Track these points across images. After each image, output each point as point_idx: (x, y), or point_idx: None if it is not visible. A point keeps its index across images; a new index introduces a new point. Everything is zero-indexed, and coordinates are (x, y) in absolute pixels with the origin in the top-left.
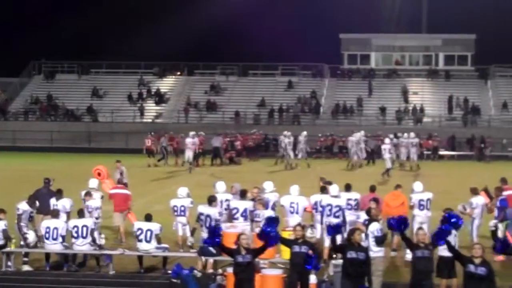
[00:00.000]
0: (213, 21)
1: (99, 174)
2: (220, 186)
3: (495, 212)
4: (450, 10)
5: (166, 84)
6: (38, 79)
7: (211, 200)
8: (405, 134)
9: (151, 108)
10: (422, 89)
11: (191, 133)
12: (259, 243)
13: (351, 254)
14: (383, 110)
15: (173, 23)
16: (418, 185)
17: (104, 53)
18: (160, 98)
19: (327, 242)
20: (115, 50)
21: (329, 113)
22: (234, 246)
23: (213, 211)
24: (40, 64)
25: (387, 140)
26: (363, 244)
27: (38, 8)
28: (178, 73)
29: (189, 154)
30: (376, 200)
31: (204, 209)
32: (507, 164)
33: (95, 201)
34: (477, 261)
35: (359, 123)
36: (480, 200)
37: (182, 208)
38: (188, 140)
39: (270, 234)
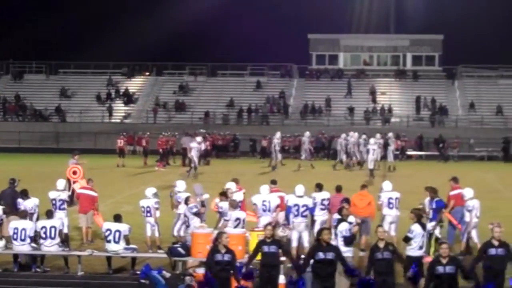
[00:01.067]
0: (182, 21)
1: (74, 173)
2: (181, 184)
3: (430, 214)
4: (418, 11)
5: (134, 84)
6: (5, 79)
7: (188, 199)
8: (378, 135)
9: (119, 108)
10: (390, 89)
11: (198, 138)
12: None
13: (319, 256)
14: (351, 110)
15: (142, 24)
16: (387, 184)
17: (72, 53)
18: (128, 98)
19: (294, 243)
20: (84, 50)
21: (297, 113)
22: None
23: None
24: (8, 64)
25: (372, 141)
26: (333, 243)
27: (5, 8)
28: (147, 73)
29: (195, 160)
30: (347, 200)
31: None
32: (474, 164)
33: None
34: (444, 261)
35: (327, 123)
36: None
37: (148, 209)
38: (194, 145)
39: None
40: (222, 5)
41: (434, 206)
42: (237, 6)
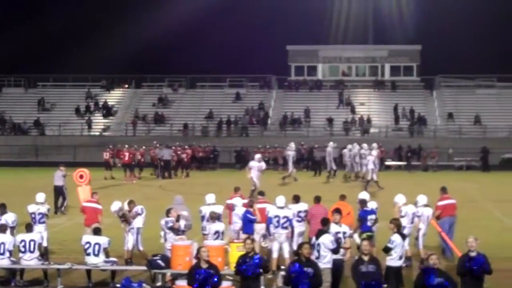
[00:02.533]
0: (160, 33)
1: (81, 177)
2: (210, 197)
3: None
4: (395, 21)
5: (113, 97)
6: None
7: (168, 211)
8: (351, 146)
9: (98, 121)
10: (368, 99)
11: (257, 156)
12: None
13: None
14: (330, 121)
15: (120, 36)
16: (364, 195)
17: (51, 66)
18: (107, 111)
19: (275, 254)
20: (62, 63)
21: (277, 124)
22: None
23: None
24: None
25: (374, 152)
26: (312, 257)
27: None
28: (126, 85)
29: (256, 180)
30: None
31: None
32: (452, 174)
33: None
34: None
35: (306, 134)
36: (410, 209)
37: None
38: (253, 164)
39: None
40: (201, 17)
41: (360, 216)
42: (215, 18)
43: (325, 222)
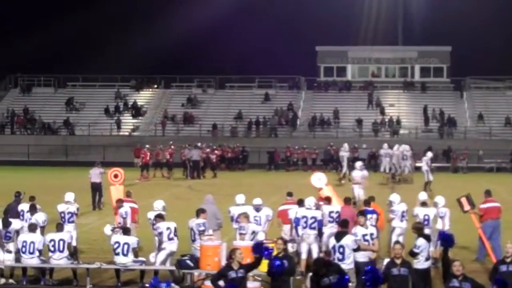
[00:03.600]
0: (190, 34)
1: (115, 176)
2: (240, 198)
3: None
4: (425, 22)
5: (143, 97)
6: (14, 93)
7: (199, 212)
8: (397, 146)
9: (128, 121)
10: (398, 101)
11: (358, 164)
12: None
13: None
14: (359, 122)
15: (150, 36)
16: (395, 197)
17: (80, 66)
18: (137, 111)
19: (304, 255)
20: (92, 63)
21: (305, 125)
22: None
23: (197, 222)
24: (17, 78)
25: (429, 154)
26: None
27: (14, 21)
28: (155, 86)
29: (359, 192)
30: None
31: (192, 222)
32: (483, 176)
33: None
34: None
35: (335, 135)
36: (420, 211)
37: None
38: (357, 174)
39: (265, 246)
40: (231, 17)
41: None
42: (245, 18)
43: (344, 223)
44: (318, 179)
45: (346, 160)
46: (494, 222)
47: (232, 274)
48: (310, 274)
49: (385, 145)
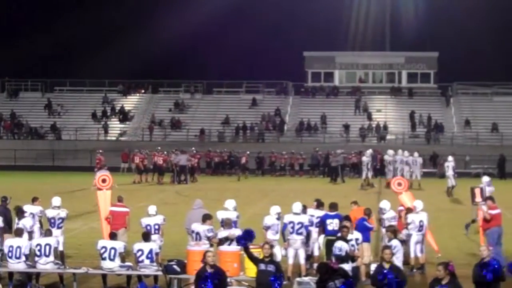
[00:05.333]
0: (177, 39)
1: (103, 181)
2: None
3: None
4: (413, 28)
5: (130, 102)
6: (1, 97)
7: (206, 218)
8: (406, 152)
9: (115, 126)
10: (385, 106)
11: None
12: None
13: (261, 267)
14: (346, 127)
15: (137, 41)
16: (385, 204)
17: (68, 71)
18: (124, 116)
19: (291, 260)
20: (79, 68)
21: (293, 130)
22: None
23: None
24: (4, 82)
25: (450, 158)
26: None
27: (1, 26)
28: (142, 90)
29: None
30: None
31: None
32: (469, 181)
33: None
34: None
35: (323, 140)
36: (415, 217)
37: (156, 227)
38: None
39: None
40: (218, 22)
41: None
42: (232, 23)
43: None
44: (398, 184)
45: (367, 166)
46: (499, 229)
47: (262, 266)
48: (297, 279)
49: (406, 152)
